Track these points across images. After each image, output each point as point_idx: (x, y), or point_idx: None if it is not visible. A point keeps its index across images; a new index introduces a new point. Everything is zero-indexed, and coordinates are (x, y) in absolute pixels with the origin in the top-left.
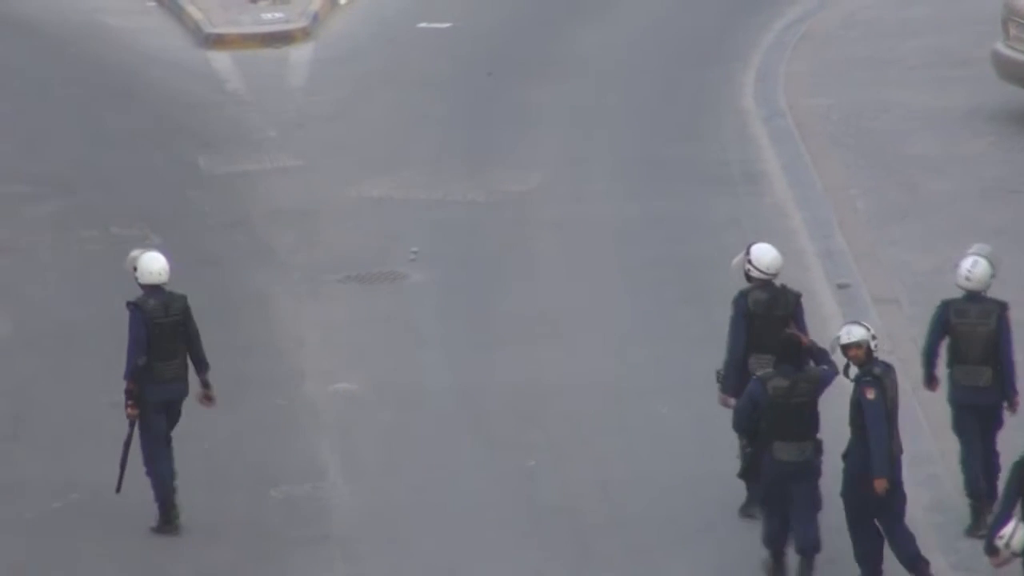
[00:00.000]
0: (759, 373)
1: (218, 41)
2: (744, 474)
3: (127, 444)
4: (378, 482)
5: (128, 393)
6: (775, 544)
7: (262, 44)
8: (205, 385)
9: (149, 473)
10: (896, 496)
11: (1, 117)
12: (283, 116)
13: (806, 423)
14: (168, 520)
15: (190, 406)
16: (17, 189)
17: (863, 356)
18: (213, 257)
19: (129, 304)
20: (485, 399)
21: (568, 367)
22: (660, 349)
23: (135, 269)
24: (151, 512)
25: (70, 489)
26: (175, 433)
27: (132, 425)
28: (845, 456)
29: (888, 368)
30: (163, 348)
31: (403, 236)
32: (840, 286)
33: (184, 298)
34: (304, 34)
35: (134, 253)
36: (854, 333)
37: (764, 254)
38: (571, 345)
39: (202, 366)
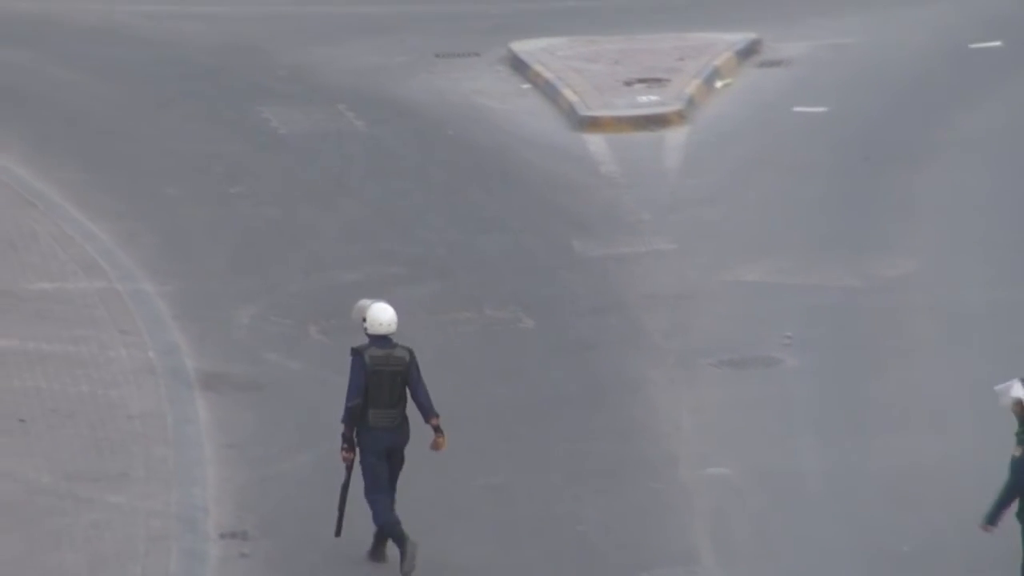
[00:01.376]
0: None
1: (593, 124)
2: None
3: (344, 488)
4: (752, 567)
5: (344, 438)
6: None
7: (637, 127)
8: (436, 430)
9: (370, 502)
10: None
11: (379, 199)
12: (657, 199)
13: None
14: (398, 546)
15: (564, 489)
16: (393, 271)
17: None
18: (587, 341)
19: (352, 351)
20: (859, 484)
21: (944, 453)
22: None
23: (364, 319)
24: None
25: (442, 570)
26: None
27: (349, 470)
28: (1019, 515)
29: None
30: (381, 397)
31: (777, 321)
32: None
33: (409, 351)
34: (679, 117)
35: (363, 303)
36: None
37: None
38: (947, 431)
39: (430, 413)
